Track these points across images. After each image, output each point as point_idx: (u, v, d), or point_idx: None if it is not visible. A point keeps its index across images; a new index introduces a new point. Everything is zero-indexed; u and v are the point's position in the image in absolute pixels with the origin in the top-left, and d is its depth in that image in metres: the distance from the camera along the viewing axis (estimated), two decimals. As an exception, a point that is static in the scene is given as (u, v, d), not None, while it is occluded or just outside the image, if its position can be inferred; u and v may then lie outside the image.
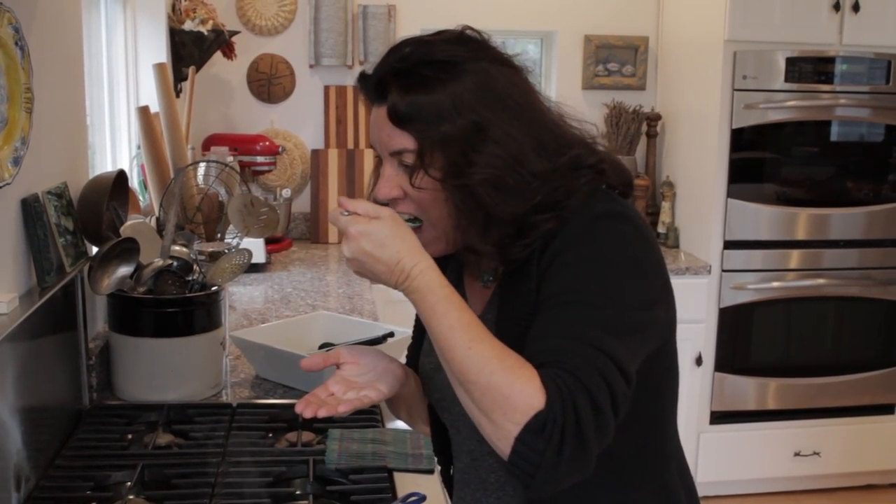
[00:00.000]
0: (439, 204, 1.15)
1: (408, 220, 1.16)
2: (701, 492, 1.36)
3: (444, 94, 1.12)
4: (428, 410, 1.41)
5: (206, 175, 2.66)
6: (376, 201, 1.18)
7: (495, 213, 1.12)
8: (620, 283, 1.09)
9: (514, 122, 1.14)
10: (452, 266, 1.33)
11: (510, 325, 1.17)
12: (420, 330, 1.39)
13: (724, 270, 3.62)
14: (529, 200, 1.12)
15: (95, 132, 2.68)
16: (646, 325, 1.11)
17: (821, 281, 3.68)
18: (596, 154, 1.20)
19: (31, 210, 1.70)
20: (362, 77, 1.21)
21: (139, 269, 1.93)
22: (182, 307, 1.94)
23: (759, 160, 3.66)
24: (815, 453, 3.81)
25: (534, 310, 1.12)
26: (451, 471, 1.41)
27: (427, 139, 1.13)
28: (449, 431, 1.36)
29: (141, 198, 2.76)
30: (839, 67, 3.57)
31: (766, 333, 3.74)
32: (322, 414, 1.16)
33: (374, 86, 1.17)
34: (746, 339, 3.72)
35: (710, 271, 3.61)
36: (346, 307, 2.83)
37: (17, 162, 1.58)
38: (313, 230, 3.92)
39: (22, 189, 1.67)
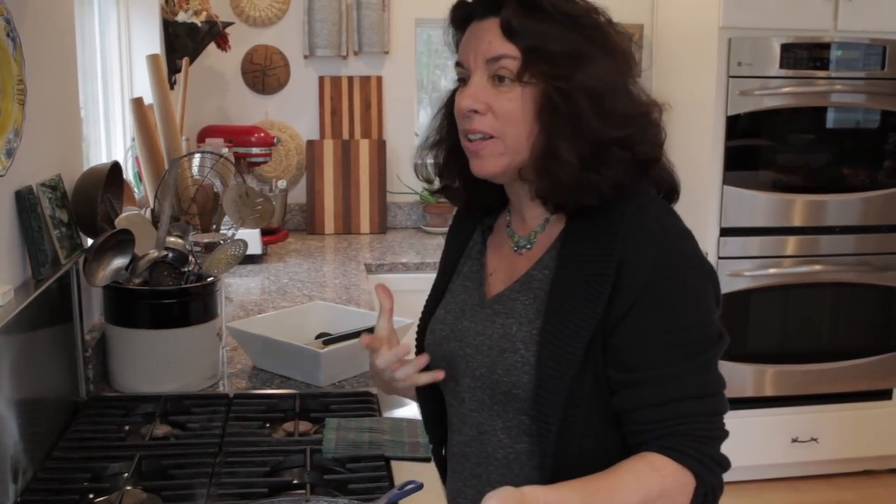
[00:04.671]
0: (521, 120, 1.20)
1: None
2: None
3: (555, 24, 1.19)
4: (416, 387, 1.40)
5: (200, 166, 2.66)
6: (460, 111, 1.22)
7: (586, 126, 1.17)
8: (704, 320, 1.19)
9: (610, 60, 1.21)
10: (476, 236, 1.37)
11: (561, 317, 1.18)
12: (433, 299, 1.39)
13: (720, 258, 3.62)
14: (619, 129, 1.18)
15: (90, 124, 2.68)
16: (724, 342, 1.23)
17: (817, 267, 3.68)
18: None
19: (25, 202, 1.69)
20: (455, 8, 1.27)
21: (134, 260, 1.93)
22: (178, 298, 1.94)
23: (755, 147, 3.66)
24: (813, 439, 3.82)
25: (598, 314, 1.16)
26: (443, 450, 1.40)
27: (534, 52, 1.18)
28: (448, 403, 1.35)
29: (136, 189, 2.76)
30: (834, 53, 3.56)
31: (763, 320, 3.75)
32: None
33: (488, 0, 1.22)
34: (743, 326, 3.72)
35: (706, 258, 3.61)
36: (342, 297, 2.82)
37: (10, 154, 1.58)
38: (309, 221, 3.91)
39: (16, 181, 1.67)
